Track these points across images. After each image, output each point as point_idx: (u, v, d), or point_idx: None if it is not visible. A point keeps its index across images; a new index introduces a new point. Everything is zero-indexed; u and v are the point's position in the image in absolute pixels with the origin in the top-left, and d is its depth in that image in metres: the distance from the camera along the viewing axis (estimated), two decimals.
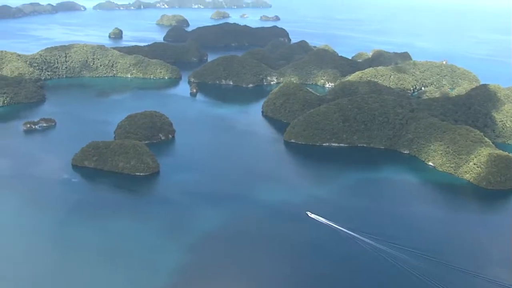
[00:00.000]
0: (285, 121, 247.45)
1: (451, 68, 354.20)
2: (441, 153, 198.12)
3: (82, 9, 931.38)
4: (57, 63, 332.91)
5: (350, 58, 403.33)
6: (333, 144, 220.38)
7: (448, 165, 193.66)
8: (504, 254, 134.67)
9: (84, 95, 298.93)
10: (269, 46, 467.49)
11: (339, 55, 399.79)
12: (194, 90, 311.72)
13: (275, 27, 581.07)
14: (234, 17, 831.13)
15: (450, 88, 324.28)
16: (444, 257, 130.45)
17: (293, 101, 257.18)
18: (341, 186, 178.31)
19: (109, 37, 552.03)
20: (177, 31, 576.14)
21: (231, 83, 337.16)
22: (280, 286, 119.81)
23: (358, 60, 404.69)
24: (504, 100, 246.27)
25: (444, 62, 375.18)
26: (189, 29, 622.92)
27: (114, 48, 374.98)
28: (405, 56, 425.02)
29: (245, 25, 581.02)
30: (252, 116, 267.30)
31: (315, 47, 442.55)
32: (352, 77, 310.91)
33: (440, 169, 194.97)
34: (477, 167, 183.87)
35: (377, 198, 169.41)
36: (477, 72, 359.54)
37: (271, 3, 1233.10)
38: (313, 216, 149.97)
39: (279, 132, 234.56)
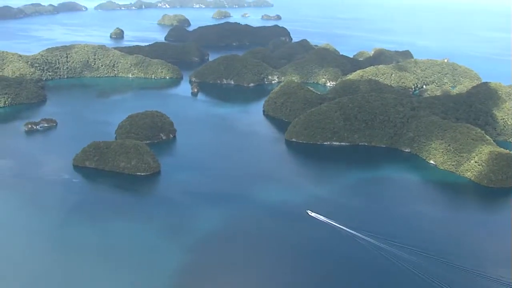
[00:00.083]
0: (286, 120, 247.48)
1: (452, 66, 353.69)
2: (442, 151, 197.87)
3: (84, 9, 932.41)
4: (58, 63, 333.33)
5: (351, 56, 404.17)
6: (334, 143, 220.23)
7: (449, 163, 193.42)
8: (505, 252, 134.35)
9: (85, 95, 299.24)
10: (270, 45, 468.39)
11: (340, 53, 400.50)
12: (195, 90, 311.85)
13: (276, 26, 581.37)
14: (236, 17, 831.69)
15: (451, 86, 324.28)
16: (445, 255, 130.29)
17: (294, 100, 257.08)
18: (342, 185, 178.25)
19: (111, 37, 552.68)
20: (178, 31, 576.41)
21: (232, 82, 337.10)
22: (281, 285, 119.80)
23: (360, 59, 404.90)
24: (505, 98, 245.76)
25: (446, 60, 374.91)
26: (191, 28, 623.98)
27: (115, 48, 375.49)
28: (407, 54, 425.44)
29: (246, 25, 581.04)
30: (253, 115, 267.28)
31: (316, 46, 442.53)
32: (353, 75, 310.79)
33: (441, 167, 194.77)
34: (478, 165, 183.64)
35: (378, 197, 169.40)
36: (478, 70, 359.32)
37: (272, 2, 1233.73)
38: (313, 214, 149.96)
39: (280, 131, 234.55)
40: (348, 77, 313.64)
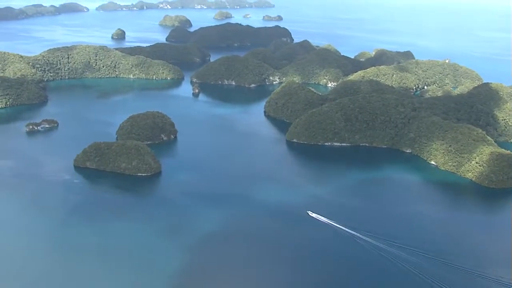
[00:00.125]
0: (287, 120, 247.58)
1: (453, 67, 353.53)
2: (443, 152, 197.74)
3: (85, 10, 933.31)
4: (60, 64, 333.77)
5: (352, 57, 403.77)
6: (335, 144, 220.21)
7: (450, 164, 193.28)
8: (505, 252, 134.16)
9: (86, 96, 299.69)
10: (272, 46, 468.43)
11: (342, 54, 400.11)
12: (196, 91, 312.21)
13: (277, 27, 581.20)
14: (237, 17, 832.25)
15: (452, 87, 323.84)
16: (446, 256, 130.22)
17: (295, 101, 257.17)
18: (343, 185, 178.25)
19: (112, 38, 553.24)
20: (180, 32, 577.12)
21: (233, 83, 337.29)
22: (281, 285, 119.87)
23: (361, 60, 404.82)
24: (507, 99, 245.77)
25: (447, 61, 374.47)
26: (192, 29, 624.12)
27: (116, 49, 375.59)
28: (408, 55, 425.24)
29: (248, 25, 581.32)
30: (254, 116, 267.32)
31: (317, 46, 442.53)
32: (354, 76, 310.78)
33: (442, 168, 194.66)
34: (479, 165, 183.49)
35: (378, 197, 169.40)
36: (480, 70, 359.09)
37: (274, 3, 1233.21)
38: (314, 215, 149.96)
39: (281, 131, 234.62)
40: (349, 78, 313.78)
